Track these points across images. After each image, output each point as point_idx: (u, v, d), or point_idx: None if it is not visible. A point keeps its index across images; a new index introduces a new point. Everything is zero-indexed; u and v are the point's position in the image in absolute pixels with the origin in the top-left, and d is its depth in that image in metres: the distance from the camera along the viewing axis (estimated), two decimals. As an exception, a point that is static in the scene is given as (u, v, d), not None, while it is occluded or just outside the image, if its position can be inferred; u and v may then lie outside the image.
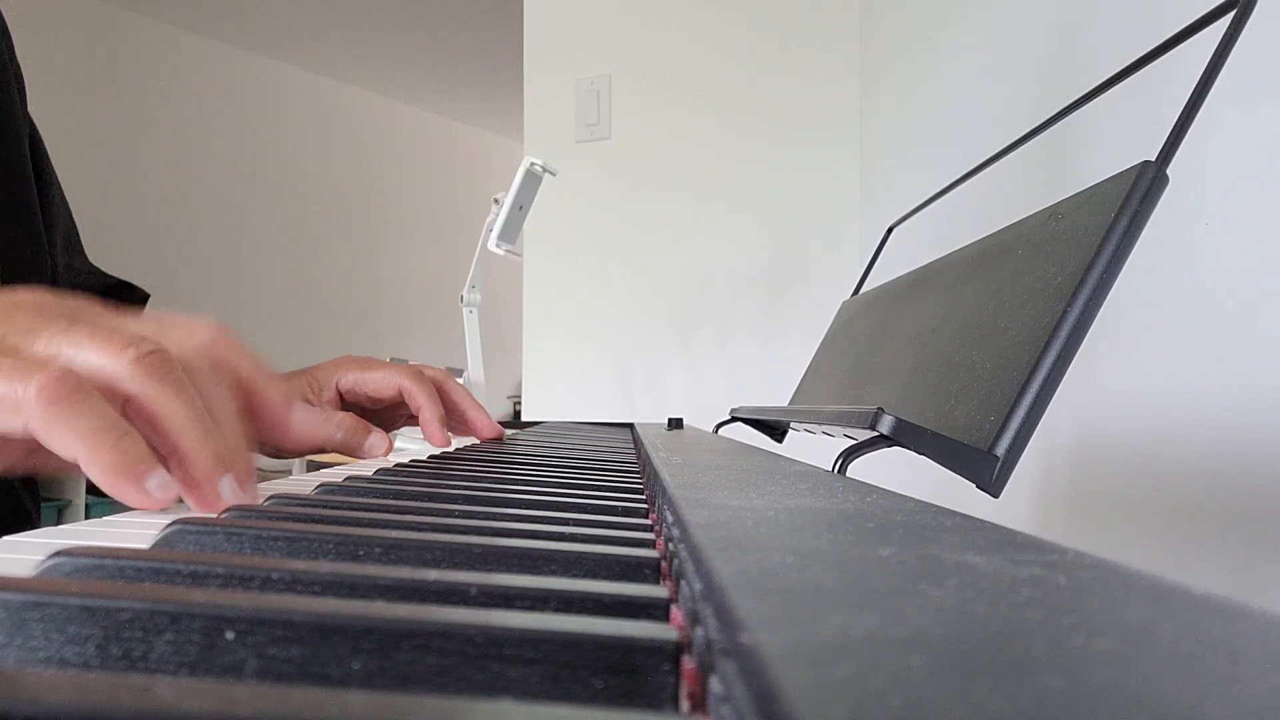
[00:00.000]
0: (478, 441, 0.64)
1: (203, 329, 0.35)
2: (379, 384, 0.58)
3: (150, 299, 0.71)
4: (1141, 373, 0.61)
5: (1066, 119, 0.49)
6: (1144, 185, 0.34)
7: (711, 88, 1.62)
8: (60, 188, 0.65)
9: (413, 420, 0.61)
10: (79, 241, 0.68)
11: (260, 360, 0.38)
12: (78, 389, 0.27)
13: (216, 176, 3.65)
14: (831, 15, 1.56)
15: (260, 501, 0.27)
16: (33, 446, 0.33)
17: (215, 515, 0.24)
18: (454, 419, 0.62)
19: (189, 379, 0.31)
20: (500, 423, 0.66)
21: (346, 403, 0.59)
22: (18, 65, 0.60)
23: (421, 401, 0.57)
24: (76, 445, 0.26)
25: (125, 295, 0.69)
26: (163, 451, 0.29)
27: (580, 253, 1.72)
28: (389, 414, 0.62)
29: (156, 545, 0.20)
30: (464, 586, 0.15)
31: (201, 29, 3.56)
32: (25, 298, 0.32)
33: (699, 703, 0.12)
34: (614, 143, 1.69)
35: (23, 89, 0.60)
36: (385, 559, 0.19)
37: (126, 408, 0.29)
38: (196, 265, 3.55)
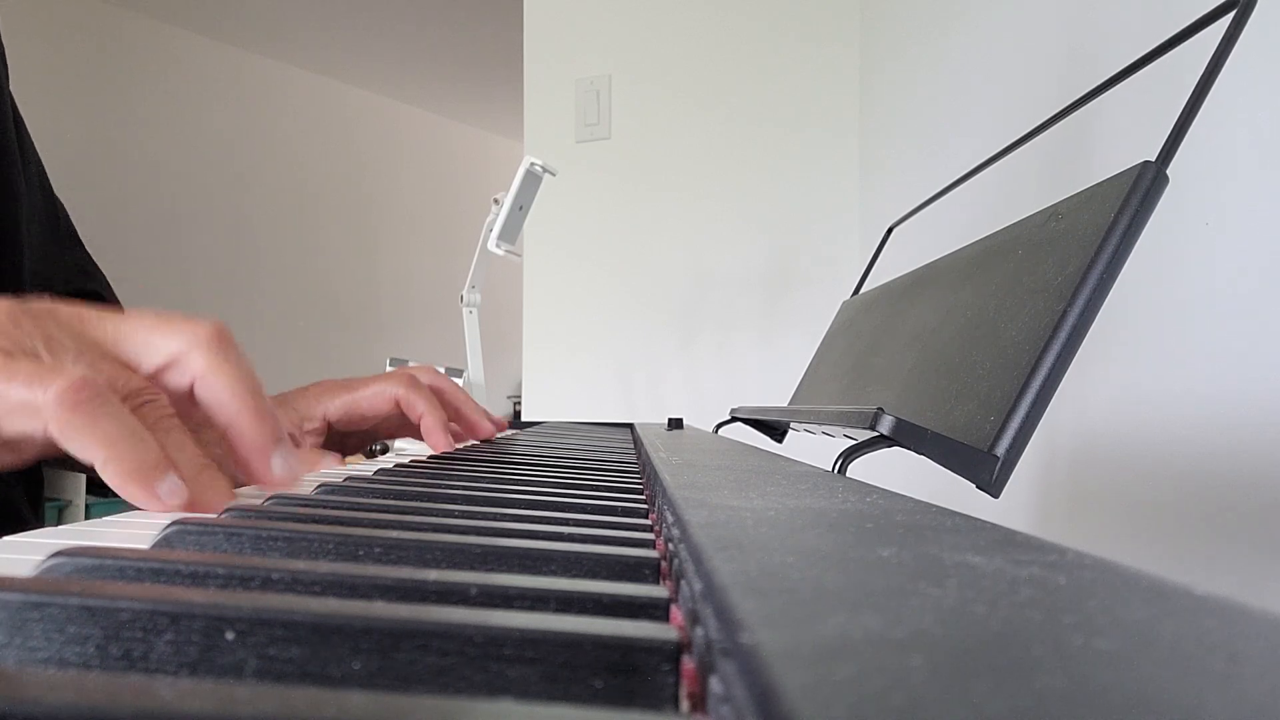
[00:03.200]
0: (476, 442, 0.64)
1: (206, 323, 0.35)
2: (374, 400, 0.56)
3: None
4: (1141, 373, 0.61)
5: (1068, 119, 0.49)
6: (1144, 185, 0.34)
7: (711, 88, 1.62)
8: (42, 170, 0.64)
9: (412, 428, 0.59)
10: (71, 229, 0.67)
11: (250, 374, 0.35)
12: (97, 395, 0.28)
13: (216, 176, 3.65)
14: (831, 15, 1.56)
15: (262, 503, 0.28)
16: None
17: (216, 515, 0.24)
18: (453, 421, 0.60)
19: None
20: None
21: (337, 431, 0.57)
22: (1, 44, 0.59)
23: (422, 408, 0.55)
24: (94, 450, 0.27)
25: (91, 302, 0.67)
26: (220, 429, 0.32)
27: (580, 253, 1.72)
28: (387, 427, 0.60)
29: (156, 545, 0.20)
30: (464, 586, 0.15)
31: (202, 29, 3.56)
32: (38, 305, 0.32)
33: (699, 703, 0.12)
34: (614, 143, 1.69)
35: (5, 66, 0.59)
36: (385, 559, 0.19)
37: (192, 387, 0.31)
38: (196, 265, 3.55)
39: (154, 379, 0.32)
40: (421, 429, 0.56)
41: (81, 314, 0.32)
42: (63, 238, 0.66)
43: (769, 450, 0.47)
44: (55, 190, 0.66)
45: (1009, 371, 0.36)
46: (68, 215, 0.67)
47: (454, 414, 0.60)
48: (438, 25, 3.54)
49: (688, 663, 0.12)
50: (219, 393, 0.32)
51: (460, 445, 0.61)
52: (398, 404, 0.56)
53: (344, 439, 0.59)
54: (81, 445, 0.27)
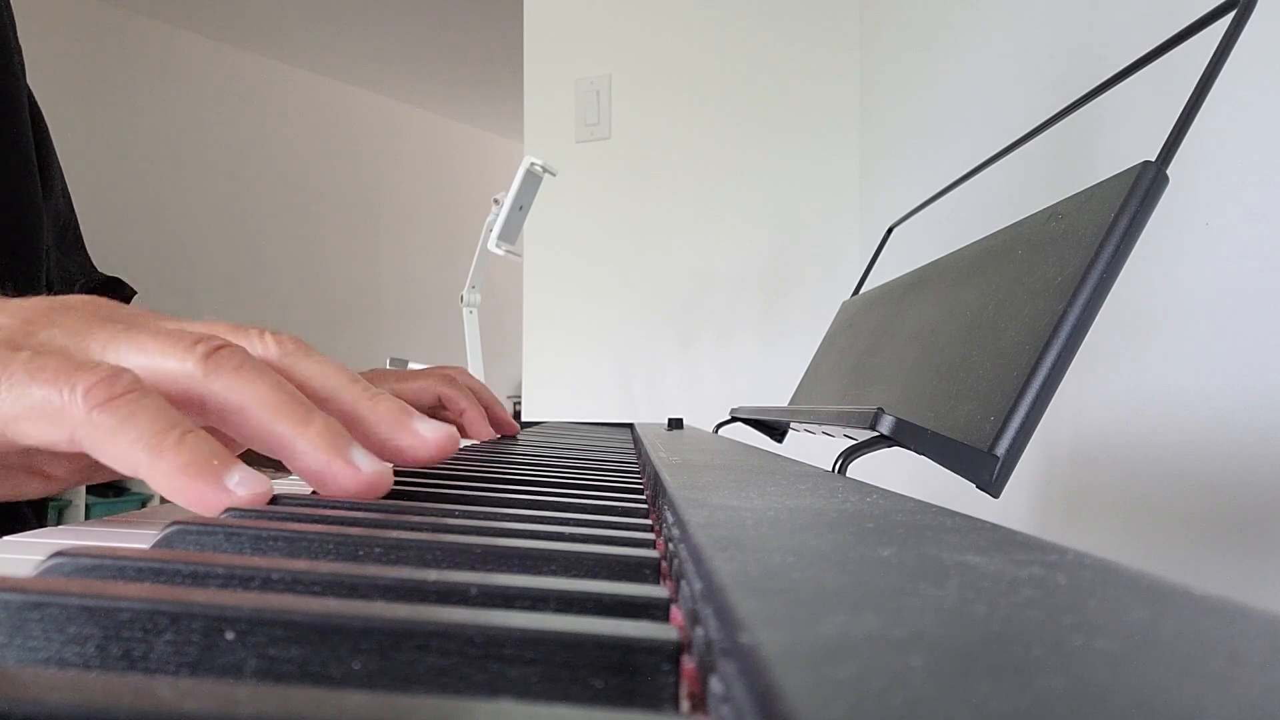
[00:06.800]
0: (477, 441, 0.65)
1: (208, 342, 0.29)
2: (419, 395, 0.59)
3: (136, 295, 0.71)
4: (1141, 373, 0.61)
5: (1068, 119, 0.49)
6: (1144, 185, 0.34)
7: (711, 88, 1.62)
8: (63, 178, 0.64)
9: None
10: (77, 235, 0.67)
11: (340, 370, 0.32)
12: (131, 387, 0.23)
13: (216, 177, 3.65)
14: (831, 15, 1.56)
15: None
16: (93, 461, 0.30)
17: (216, 515, 0.24)
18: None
19: (283, 365, 0.30)
20: None
21: None
22: (18, 42, 0.59)
23: (464, 404, 0.59)
24: (134, 451, 0.23)
25: (114, 291, 0.68)
26: (270, 453, 0.26)
27: (580, 253, 1.72)
28: None
29: (156, 545, 0.19)
30: (464, 587, 0.15)
31: (202, 29, 3.56)
32: (75, 300, 0.29)
33: (699, 703, 0.12)
34: (614, 143, 1.69)
35: (23, 65, 0.59)
36: (385, 559, 0.19)
37: (208, 418, 0.26)
38: (196, 265, 3.55)
39: None
40: (464, 422, 0.60)
41: (99, 307, 0.28)
42: (67, 244, 0.66)
43: (769, 450, 0.47)
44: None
45: (1009, 371, 0.36)
46: (76, 222, 0.68)
47: (488, 412, 0.64)
48: (438, 25, 3.54)
49: (688, 663, 0.12)
50: (242, 414, 0.26)
51: (466, 444, 0.62)
52: (439, 400, 0.60)
53: None
54: (117, 451, 0.23)
